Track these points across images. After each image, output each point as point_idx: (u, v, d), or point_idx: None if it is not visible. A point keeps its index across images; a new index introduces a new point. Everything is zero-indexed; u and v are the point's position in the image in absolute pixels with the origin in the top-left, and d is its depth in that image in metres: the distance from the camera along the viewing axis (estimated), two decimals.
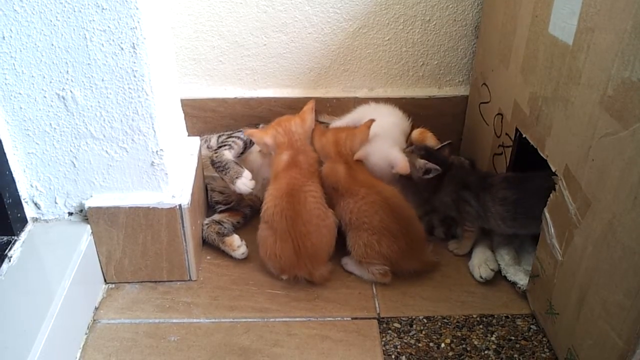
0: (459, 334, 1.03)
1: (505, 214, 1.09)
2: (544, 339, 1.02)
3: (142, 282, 1.13)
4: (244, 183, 1.18)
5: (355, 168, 1.18)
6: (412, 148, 1.22)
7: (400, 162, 1.18)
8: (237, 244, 1.19)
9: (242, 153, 1.28)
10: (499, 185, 1.11)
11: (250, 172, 1.29)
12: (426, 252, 1.15)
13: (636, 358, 0.76)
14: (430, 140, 1.29)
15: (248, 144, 1.29)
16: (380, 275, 1.11)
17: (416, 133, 1.31)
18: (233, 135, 1.30)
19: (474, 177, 1.17)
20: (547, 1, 0.95)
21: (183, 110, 1.21)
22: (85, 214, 1.05)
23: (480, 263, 1.15)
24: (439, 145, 1.24)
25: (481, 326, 1.04)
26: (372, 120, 1.22)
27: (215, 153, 1.23)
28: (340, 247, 1.16)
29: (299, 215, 1.09)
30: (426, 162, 1.16)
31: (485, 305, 1.09)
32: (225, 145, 1.24)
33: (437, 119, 1.38)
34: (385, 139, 1.24)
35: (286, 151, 1.18)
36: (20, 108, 0.95)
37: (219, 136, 1.34)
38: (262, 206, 1.15)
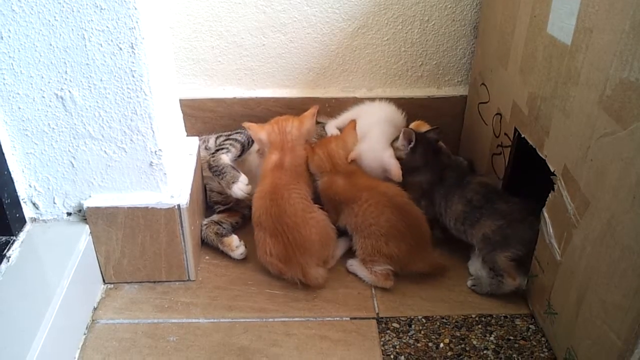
0: (458, 334, 1.03)
1: (461, 214, 1.13)
2: (543, 338, 1.02)
3: (140, 282, 1.13)
4: (240, 188, 1.18)
5: (353, 174, 1.18)
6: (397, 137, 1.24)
7: (394, 169, 1.19)
8: (235, 244, 1.19)
9: (239, 155, 1.28)
10: (472, 187, 1.15)
11: (249, 172, 1.29)
12: (433, 254, 1.14)
13: (635, 358, 0.76)
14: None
15: (246, 146, 1.29)
16: (382, 277, 1.10)
17: (412, 126, 1.32)
18: (231, 137, 1.29)
19: (455, 173, 1.20)
20: (546, 1, 0.95)
21: (182, 110, 1.21)
22: (83, 214, 1.05)
23: (480, 264, 1.14)
24: (426, 129, 1.27)
25: (480, 326, 1.04)
26: (354, 121, 1.24)
27: (213, 157, 1.23)
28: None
29: (283, 210, 1.10)
30: (402, 133, 1.19)
31: (484, 305, 1.09)
32: (222, 149, 1.24)
33: (436, 119, 1.38)
34: (378, 137, 1.25)
35: (276, 151, 1.19)
36: (19, 108, 0.95)
37: (217, 137, 1.34)
38: (252, 210, 1.15)
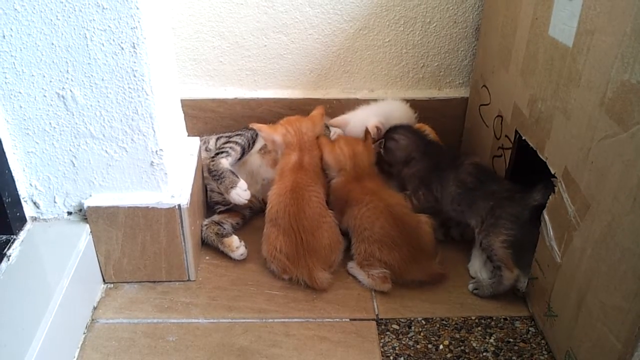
0: (458, 336, 1.03)
1: (456, 196, 1.15)
2: (543, 341, 1.02)
3: (140, 282, 1.13)
4: (238, 194, 1.18)
5: (366, 177, 1.19)
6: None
7: (370, 125, 1.24)
8: (235, 245, 1.19)
9: (240, 158, 1.28)
10: (465, 168, 1.16)
11: (250, 173, 1.29)
12: (432, 263, 1.13)
13: None
14: (428, 134, 1.31)
15: (246, 149, 1.29)
16: (379, 280, 1.10)
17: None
18: (231, 139, 1.29)
19: (448, 157, 1.21)
20: (547, 3, 0.95)
21: (183, 110, 1.22)
22: (84, 214, 1.05)
23: (481, 265, 1.15)
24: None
25: (480, 328, 1.04)
26: (367, 129, 1.24)
27: (212, 161, 1.23)
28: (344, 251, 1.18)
29: (301, 210, 1.10)
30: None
31: (484, 307, 1.09)
32: (222, 152, 1.24)
33: (437, 121, 1.38)
34: (371, 109, 1.31)
35: (294, 152, 1.19)
36: (20, 107, 0.95)
37: (217, 138, 1.33)
38: (267, 206, 1.16)
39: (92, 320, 1.05)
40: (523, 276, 1.08)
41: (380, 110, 1.32)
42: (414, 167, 1.22)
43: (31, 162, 1.01)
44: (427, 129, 1.32)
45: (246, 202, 1.20)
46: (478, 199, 1.11)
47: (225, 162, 1.22)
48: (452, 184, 1.16)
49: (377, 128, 1.25)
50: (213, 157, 1.24)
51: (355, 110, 1.36)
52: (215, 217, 1.26)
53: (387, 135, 1.25)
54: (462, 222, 1.18)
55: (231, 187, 1.18)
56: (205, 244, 1.23)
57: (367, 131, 1.24)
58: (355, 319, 1.06)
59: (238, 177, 1.20)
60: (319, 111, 1.26)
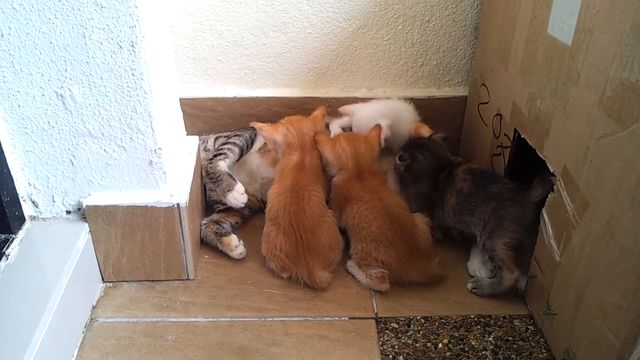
0: (457, 334, 1.03)
1: (456, 206, 1.14)
2: (542, 339, 1.02)
3: (139, 281, 1.13)
4: (235, 197, 1.18)
5: (368, 175, 1.19)
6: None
7: (385, 128, 1.23)
8: (234, 244, 1.19)
9: (238, 159, 1.28)
10: (460, 177, 1.15)
11: (249, 172, 1.29)
12: (430, 264, 1.13)
13: (633, 359, 0.76)
14: (425, 134, 1.30)
15: (245, 150, 1.29)
16: (377, 279, 1.10)
17: (412, 128, 1.32)
18: (229, 140, 1.28)
19: (446, 173, 1.19)
20: (546, 2, 0.95)
21: (182, 109, 1.21)
22: (83, 213, 1.05)
23: (479, 264, 1.15)
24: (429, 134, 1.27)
25: (479, 326, 1.04)
26: (379, 125, 1.23)
27: (210, 163, 1.22)
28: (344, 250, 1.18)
29: (302, 209, 1.10)
30: (398, 157, 1.22)
31: (483, 305, 1.09)
32: (220, 154, 1.23)
33: (436, 120, 1.38)
34: (376, 107, 1.30)
35: (295, 152, 1.19)
36: (19, 106, 0.95)
37: (216, 138, 1.33)
38: (267, 205, 1.16)
39: (91, 319, 1.05)
40: (523, 275, 1.09)
41: (389, 110, 1.30)
42: (422, 189, 1.21)
43: (30, 161, 1.01)
44: (425, 129, 1.31)
45: (243, 205, 1.20)
46: (479, 203, 1.10)
47: (222, 165, 1.22)
48: (450, 195, 1.15)
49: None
50: (211, 159, 1.24)
51: (365, 104, 1.35)
52: (214, 216, 1.26)
53: (411, 149, 1.21)
54: (468, 233, 1.16)
55: (228, 191, 1.18)
56: (204, 243, 1.23)
57: (378, 127, 1.23)
58: (354, 318, 1.06)
59: (235, 181, 1.20)
60: (321, 111, 1.26)
